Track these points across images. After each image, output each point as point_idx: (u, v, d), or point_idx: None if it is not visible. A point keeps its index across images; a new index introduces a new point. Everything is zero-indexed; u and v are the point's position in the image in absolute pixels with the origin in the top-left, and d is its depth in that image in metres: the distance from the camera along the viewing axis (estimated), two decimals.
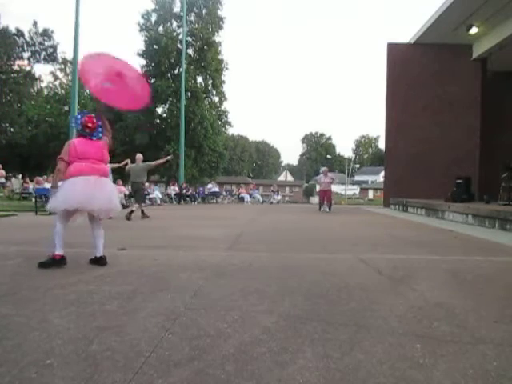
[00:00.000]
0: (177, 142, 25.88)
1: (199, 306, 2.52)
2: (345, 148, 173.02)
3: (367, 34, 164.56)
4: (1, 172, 18.74)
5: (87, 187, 3.57)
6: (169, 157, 10.02)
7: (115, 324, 2.17)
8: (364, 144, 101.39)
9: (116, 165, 9.79)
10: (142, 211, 9.46)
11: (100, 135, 3.90)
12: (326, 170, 13.15)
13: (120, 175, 17.26)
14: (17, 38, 32.83)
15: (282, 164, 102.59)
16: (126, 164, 9.83)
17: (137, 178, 9.49)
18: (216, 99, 32.38)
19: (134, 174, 9.51)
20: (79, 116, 3.92)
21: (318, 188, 13.35)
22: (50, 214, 9.84)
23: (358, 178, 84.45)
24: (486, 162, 14.68)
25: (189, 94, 28.52)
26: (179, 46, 28.61)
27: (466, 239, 6.29)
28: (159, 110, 31.34)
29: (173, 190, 21.69)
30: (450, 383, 1.58)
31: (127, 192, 16.23)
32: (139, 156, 9.73)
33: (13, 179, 19.43)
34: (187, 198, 21.46)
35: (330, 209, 12.70)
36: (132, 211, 9.15)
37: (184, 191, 21.49)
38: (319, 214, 12.00)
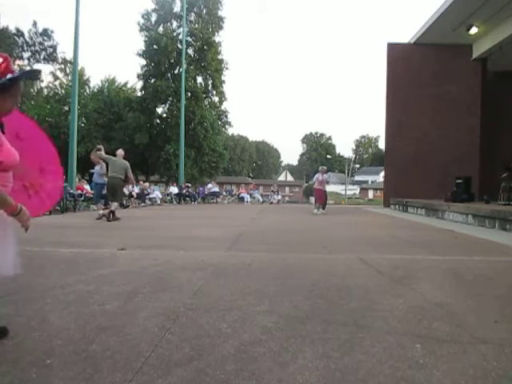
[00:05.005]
0: (177, 142, 25.91)
1: (199, 305, 2.52)
2: (345, 148, 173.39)
3: (367, 34, 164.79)
4: None
5: None
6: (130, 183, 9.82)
7: (115, 324, 2.16)
8: (364, 144, 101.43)
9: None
10: (113, 212, 8.51)
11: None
12: (324, 169, 12.95)
13: None
14: (17, 38, 32.84)
15: (282, 164, 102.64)
16: (99, 149, 9.00)
17: (115, 173, 8.59)
18: (216, 99, 32.48)
19: (113, 168, 8.65)
20: None
21: (315, 185, 12.65)
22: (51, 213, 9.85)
23: (357, 178, 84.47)
24: (486, 162, 14.69)
25: (189, 94, 28.54)
26: (179, 46, 28.64)
27: (466, 239, 6.29)
28: (159, 110, 31.44)
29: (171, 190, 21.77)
30: (450, 383, 1.59)
31: (127, 192, 16.22)
32: (120, 152, 8.98)
33: None
34: (187, 198, 21.47)
35: (324, 208, 12.53)
36: (111, 212, 8.46)
37: (184, 191, 21.50)
38: (319, 215, 11.99)
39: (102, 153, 9.08)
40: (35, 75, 2.07)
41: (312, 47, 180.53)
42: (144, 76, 30.34)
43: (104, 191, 9.54)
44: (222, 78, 31.91)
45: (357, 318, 2.32)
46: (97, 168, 9.67)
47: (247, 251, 4.67)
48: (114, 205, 8.59)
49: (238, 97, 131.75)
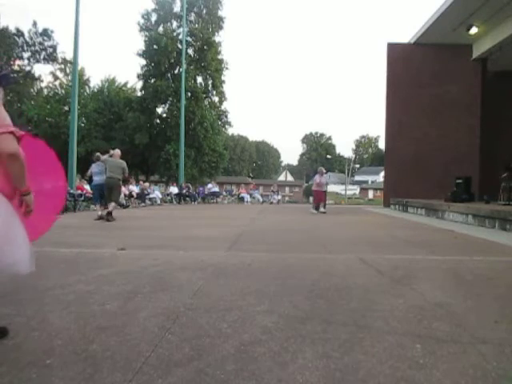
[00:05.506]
0: (177, 142, 25.92)
1: (199, 305, 2.52)
2: (345, 148, 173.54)
3: (367, 34, 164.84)
4: None
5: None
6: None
7: (115, 324, 2.16)
8: (364, 144, 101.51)
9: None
10: (110, 212, 8.67)
11: None
12: (323, 171, 12.99)
13: None
14: (17, 38, 32.86)
15: (282, 164, 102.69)
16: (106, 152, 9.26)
17: (112, 173, 8.79)
18: (216, 99, 32.50)
19: (110, 169, 8.83)
20: None
21: (313, 187, 12.87)
22: None
23: (357, 177, 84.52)
24: (486, 162, 14.68)
25: (189, 94, 28.55)
26: (179, 46, 28.65)
27: (466, 239, 6.28)
28: (159, 110, 31.45)
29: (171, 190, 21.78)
30: (450, 383, 1.59)
31: (127, 192, 16.23)
32: (117, 152, 9.10)
33: None
34: (187, 198, 21.46)
35: (324, 208, 12.63)
36: (109, 212, 8.60)
37: (184, 191, 21.49)
38: (319, 215, 12.00)
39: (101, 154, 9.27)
40: (9, 76, 2.17)
41: (312, 47, 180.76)
42: (144, 76, 30.35)
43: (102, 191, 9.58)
44: (222, 77, 31.95)
45: (357, 318, 2.32)
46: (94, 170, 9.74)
47: (247, 251, 4.67)
48: (112, 205, 8.73)
49: (238, 97, 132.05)
